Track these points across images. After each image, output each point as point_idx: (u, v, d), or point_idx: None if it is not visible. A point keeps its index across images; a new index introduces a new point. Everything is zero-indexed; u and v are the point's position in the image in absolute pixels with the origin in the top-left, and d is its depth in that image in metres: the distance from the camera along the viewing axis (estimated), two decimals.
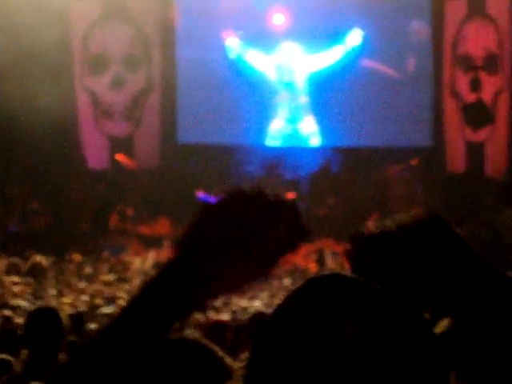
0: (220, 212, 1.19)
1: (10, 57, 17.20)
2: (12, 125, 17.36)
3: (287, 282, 11.83)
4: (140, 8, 17.70)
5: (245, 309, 8.22)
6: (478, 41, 16.71)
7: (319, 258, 14.33)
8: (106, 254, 14.67)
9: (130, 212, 16.76)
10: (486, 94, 16.62)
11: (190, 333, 2.01)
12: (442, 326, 1.39)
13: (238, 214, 1.17)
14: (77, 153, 17.92)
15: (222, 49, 17.92)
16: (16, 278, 10.51)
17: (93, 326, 6.38)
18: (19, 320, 5.67)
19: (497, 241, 14.20)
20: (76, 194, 17.27)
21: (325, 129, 17.95)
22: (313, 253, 14.34)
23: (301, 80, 17.92)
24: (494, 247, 13.36)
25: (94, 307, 8.09)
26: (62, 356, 3.94)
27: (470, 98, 16.88)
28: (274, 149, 18.03)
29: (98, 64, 17.88)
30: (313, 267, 13.74)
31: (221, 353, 1.59)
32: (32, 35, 17.20)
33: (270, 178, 17.23)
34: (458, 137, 17.19)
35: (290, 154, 17.69)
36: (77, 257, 13.88)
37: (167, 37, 18.12)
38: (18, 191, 16.95)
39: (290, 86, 17.94)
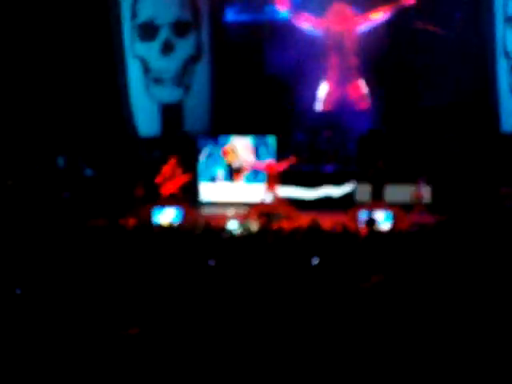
0: None
1: (61, 26, 17.41)
2: (64, 94, 17.62)
3: None
4: None
5: None
6: None
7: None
8: None
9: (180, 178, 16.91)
10: None
11: None
12: None
13: None
14: (129, 119, 18.13)
15: (273, 11, 17.89)
16: None
17: None
18: None
19: None
20: (128, 161, 17.50)
21: (374, 91, 17.84)
22: None
23: (351, 41, 17.81)
24: None
25: None
26: None
27: None
28: (323, 113, 17.99)
29: (147, 30, 18.00)
30: None
31: None
32: (82, 2, 17.41)
33: (318, 142, 17.27)
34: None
35: (339, 117, 17.63)
36: (132, 221, 14.07)
37: (216, 2, 18.14)
38: (72, 160, 17.24)
39: (339, 47, 17.83)
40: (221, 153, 17.49)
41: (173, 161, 16.63)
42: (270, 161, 16.72)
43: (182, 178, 16.70)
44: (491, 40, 17.07)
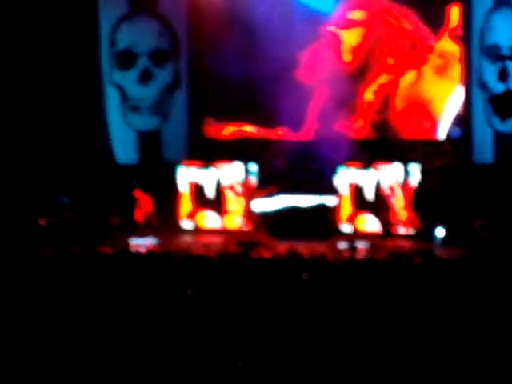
0: None
1: (38, 52, 17.39)
2: (41, 120, 17.56)
3: None
4: (168, 3, 17.84)
5: None
6: (505, 31, 16.66)
7: None
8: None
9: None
10: None
11: None
12: None
13: None
14: (106, 147, 18.10)
15: None
16: None
17: None
18: None
19: None
20: (105, 189, 17.43)
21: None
22: None
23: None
24: None
25: None
26: None
27: (498, 88, 16.82)
28: (303, 141, 18.05)
29: (125, 59, 18.04)
30: None
31: None
32: (59, 30, 17.40)
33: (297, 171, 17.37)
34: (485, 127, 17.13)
35: (319, 146, 17.67)
36: (108, 249, 13.97)
37: (195, 30, 18.21)
38: (49, 186, 17.13)
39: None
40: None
41: (138, 190, 16.73)
42: (249, 188, 16.70)
43: (150, 207, 16.73)
44: (468, 70, 17.28)
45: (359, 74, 17.87)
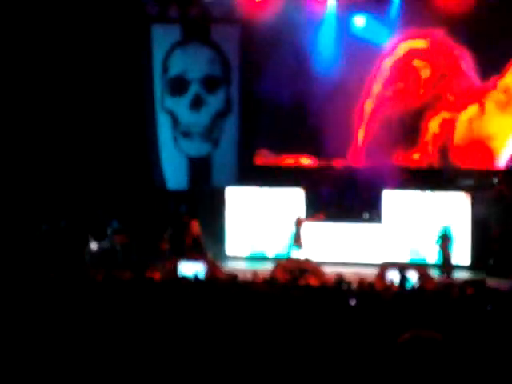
0: None
1: (94, 79, 17.65)
2: (96, 146, 17.79)
3: None
4: (220, 30, 18.02)
5: None
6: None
7: None
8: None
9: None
10: None
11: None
12: None
13: None
14: (157, 173, 18.25)
15: None
16: None
17: None
18: None
19: None
20: (155, 214, 17.56)
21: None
22: None
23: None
24: None
25: None
26: None
27: None
28: (349, 168, 17.99)
29: (177, 85, 18.23)
30: None
31: None
32: (114, 58, 17.66)
33: (345, 198, 17.30)
34: None
35: (365, 173, 17.60)
36: (157, 275, 14.06)
37: (246, 57, 18.32)
38: (102, 212, 17.31)
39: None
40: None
41: (187, 216, 16.80)
42: (299, 215, 16.68)
43: (198, 231, 16.78)
44: None
45: (424, 108, 17.79)
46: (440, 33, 17.55)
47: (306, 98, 17.40)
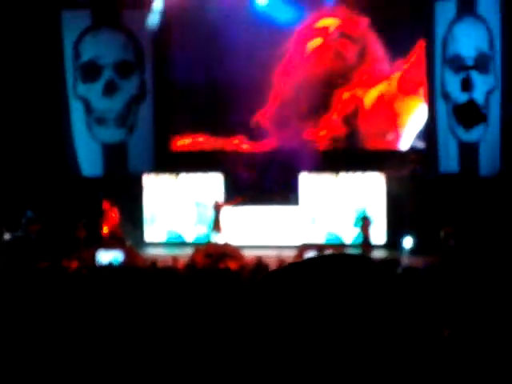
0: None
1: (2, 68, 17.25)
2: (5, 134, 17.39)
3: None
4: (132, 15, 17.79)
5: None
6: (468, 41, 16.80)
7: None
8: None
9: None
10: (478, 94, 16.72)
11: None
12: None
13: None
14: (72, 160, 17.96)
15: None
16: None
17: None
18: None
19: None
20: (70, 202, 17.29)
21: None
22: None
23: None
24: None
25: None
26: None
27: (462, 98, 16.98)
28: (269, 150, 18.05)
29: (90, 71, 17.93)
30: None
31: None
32: (22, 43, 17.26)
33: (264, 181, 17.38)
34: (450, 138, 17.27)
35: (285, 155, 17.70)
36: (74, 263, 13.87)
37: (159, 41, 18.14)
38: (13, 200, 16.94)
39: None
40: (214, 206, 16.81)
41: (106, 203, 16.58)
42: (217, 200, 16.68)
43: (117, 219, 16.59)
44: (431, 82, 17.42)
45: (328, 85, 17.95)
46: (351, 14, 17.76)
47: (220, 79, 17.42)
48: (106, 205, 16.64)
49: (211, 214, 16.56)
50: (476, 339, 6.03)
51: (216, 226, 16.24)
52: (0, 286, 10.09)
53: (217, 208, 16.33)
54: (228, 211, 16.61)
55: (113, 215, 16.71)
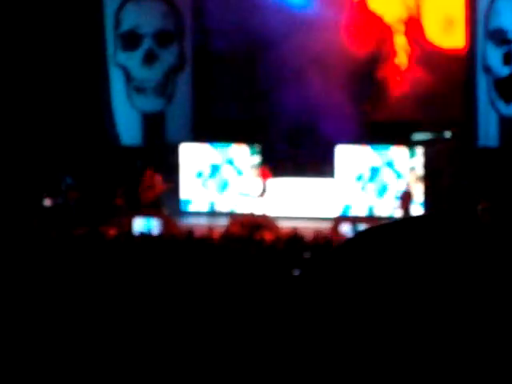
0: None
1: (42, 34, 17.38)
2: (46, 102, 17.57)
3: None
4: None
5: None
6: (511, 15, 16.58)
7: None
8: None
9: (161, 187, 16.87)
10: None
11: None
12: None
13: None
14: (111, 128, 18.11)
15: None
16: None
17: None
18: None
19: None
20: (109, 170, 17.47)
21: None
22: None
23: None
24: None
25: None
26: None
27: (503, 71, 16.79)
28: (305, 120, 18.04)
29: (130, 40, 18.01)
30: None
31: None
32: (65, 11, 17.37)
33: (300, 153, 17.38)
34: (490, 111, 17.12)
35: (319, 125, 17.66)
36: (112, 231, 14.07)
37: (199, 11, 18.14)
38: (54, 167, 17.17)
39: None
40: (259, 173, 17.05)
41: (150, 171, 16.64)
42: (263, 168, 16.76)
43: (162, 187, 16.67)
44: (472, 54, 17.23)
45: (370, 60, 17.82)
46: None
47: (259, 48, 17.37)
48: (149, 172, 16.65)
49: (252, 183, 16.63)
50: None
51: (258, 193, 16.39)
52: (40, 251, 10.29)
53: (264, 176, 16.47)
54: (267, 183, 16.65)
55: (158, 183, 16.74)
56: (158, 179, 16.69)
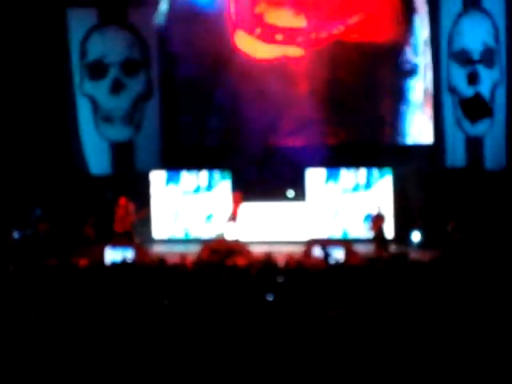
0: None
1: (7, 65, 17.34)
2: (12, 133, 17.48)
3: None
4: (137, 13, 17.83)
5: None
6: (474, 35, 16.81)
7: None
8: None
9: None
10: (484, 88, 16.73)
11: None
12: None
13: None
14: (79, 158, 18.03)
15: None
16: None
17: None
18: None
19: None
20: (79, 200, 17.38)
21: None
22: None
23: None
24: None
25: None
26: None
27: (468, 92, 16.99)
28: (274, 146, 18.06)
29: (96, 69, 18.00)
30: None
31: None
32: (30, 42, 17.34)
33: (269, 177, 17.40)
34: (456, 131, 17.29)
35: (289, 151, 17.70)
36: (83, 261, 13.92)
37: (165, 40, 18.16)
38: (22, 198, 17.03)
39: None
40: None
41: (123, 200, 16.53)
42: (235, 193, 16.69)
43: (136, 215, 16.57)
44: (437, 75, 17.43)
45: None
46: None
47: (226, 77, 17.43)
48: (122, 201, 16.50)
49: (223, 209, 16.59)
50: (479, 332, 6.08)
51: (233, 216, 16.32)
52: (10, 284, 10.17)
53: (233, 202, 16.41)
54: (238, 208, 16.62)
55: (131, 211, 16.59)
56: (132, 207, 16.61)
